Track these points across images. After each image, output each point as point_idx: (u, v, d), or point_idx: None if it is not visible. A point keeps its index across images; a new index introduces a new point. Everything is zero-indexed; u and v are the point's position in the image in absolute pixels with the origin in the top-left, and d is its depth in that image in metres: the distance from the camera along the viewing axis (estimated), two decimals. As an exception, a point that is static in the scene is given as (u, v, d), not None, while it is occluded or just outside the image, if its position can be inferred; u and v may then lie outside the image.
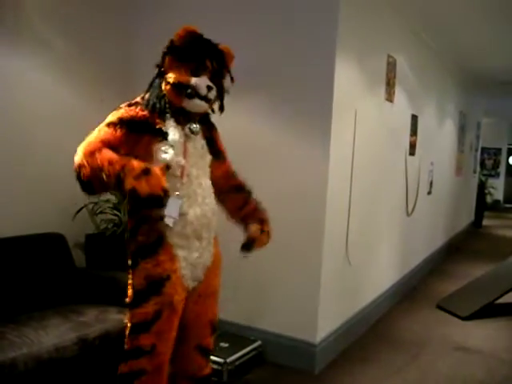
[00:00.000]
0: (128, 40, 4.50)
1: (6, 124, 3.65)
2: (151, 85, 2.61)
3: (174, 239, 2.52)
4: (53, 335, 2.98)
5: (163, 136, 2.50)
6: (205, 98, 2.54)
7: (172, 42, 2.54)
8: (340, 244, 4.15)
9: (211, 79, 2.56)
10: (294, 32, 3.83)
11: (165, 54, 2.56)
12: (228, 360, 3.60)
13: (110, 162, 2.30)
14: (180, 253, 2.54)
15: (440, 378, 3.92)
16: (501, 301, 5.54)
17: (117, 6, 4.45)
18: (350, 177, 4.16)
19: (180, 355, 2.72)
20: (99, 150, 2.34)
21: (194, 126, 2.59)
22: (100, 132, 2.44)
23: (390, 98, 4.97)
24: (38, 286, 3.49)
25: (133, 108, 2.51)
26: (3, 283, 3.30)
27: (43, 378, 2.84)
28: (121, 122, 2.46)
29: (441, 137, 7.76)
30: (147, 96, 2.56)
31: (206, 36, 2.55)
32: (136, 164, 2.30)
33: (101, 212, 4.14)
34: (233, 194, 2.86)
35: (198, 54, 2.53)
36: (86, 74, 4.20)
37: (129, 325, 2.54)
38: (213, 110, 2.71)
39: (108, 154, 2.33)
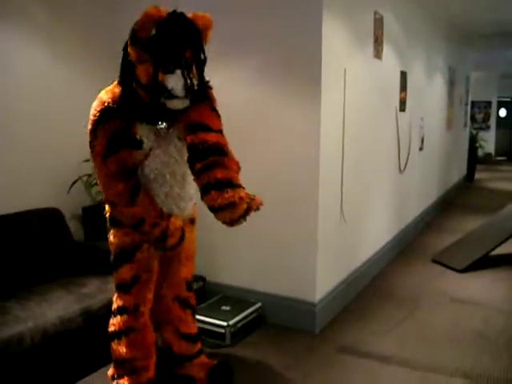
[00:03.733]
0: (116, 15, 4.43)
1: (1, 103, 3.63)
2: (122, 76, 2.50)
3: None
4: (57, 308, 3.03)
5: (139, 146, 2.53)
6: (184, 96, 2.40)
7: (134, 31, 2.30)
8: (335, 203, 4.18)
9: (186, 69, 2.38)
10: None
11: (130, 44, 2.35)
12: (230, 322, 3.66)
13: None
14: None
15: (439, 330, 4.00)
16: (496, 252, 5.62)
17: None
18: (342, 136, 4.16)
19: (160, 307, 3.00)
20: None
21: (161, 125, 2.57)
22: (104, 166, 2.51)
23: (378, 55, 4.95)
24: (37, 261, 3.52)
25: (110, 122, 2.47)
26: (2, 259, 3.32)
27: (50, 351, 2.89)
28: (110, 147, 2.48)
29: (430, 92, 7.74)
30: (119, 96, 2.48)
31: (176, 8, 2.36)
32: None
33: (96, 184, 4.13)
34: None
35: (167, 46, 2.31)
36: (74, 50, 4.15)
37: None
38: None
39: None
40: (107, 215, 2.81)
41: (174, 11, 2.35)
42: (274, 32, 3.81)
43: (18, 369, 2.72)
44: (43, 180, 3.92)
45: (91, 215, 4.14)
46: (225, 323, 3.64)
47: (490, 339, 3.84)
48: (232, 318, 3.71)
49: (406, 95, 6.10)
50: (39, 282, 3.43)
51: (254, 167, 3.96)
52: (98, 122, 2.48)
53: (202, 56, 2.48)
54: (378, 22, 4.86)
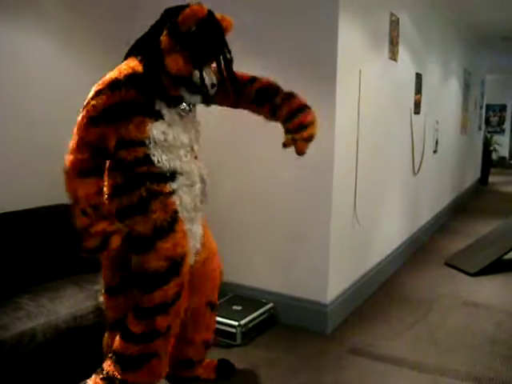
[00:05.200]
0: (130, 10, 4.44)
1: (8, 96, 3.62)
2: (144, 55, 2.40)
3: (184, 213, 2.54)
4: (69, 304, 3.03)
5: (158, 116, 2.42)
6: (206, 93, 2.46)
7: (176, 24, 2.31)
8: (348, 204, 4.17)
9: (218, 67, 2.47)
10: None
11: (166, 33, 2.33)
12: (241, 322, 3.65)
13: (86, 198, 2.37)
14: (188, 227, 2.57)
15: (450, 334, 3.97)
16: (508, 256, 5.57)
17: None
18: (357, 137, 4.15)
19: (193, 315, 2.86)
20: (82, 173, 2.40)
21: (184, 106, 2.52)
22: (86, 130, 2.32)
23: (393, 56, 4.93)
24: (49, 257, 3.52)
25: (117, 92, 2.30)
26: (16, 255, 3.34)
27: (62, 348, 2.89)
28: (105, 114, 2.31)
29: (445, 95, 7.71)
30: (143, 71, 2.37)
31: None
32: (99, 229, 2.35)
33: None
34: (256, 103, 2.89)
35: (204, 43, 2.36)
36: (86, 44, 4.16)
37: (141, 307, 2.52)
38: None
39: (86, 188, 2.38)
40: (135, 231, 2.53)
41: (211, 11, 2.39)
42: (290, 32, 3.80)
43: (29, 364, 2.72)
44: (53, 177, 3.90)
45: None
46: (236, 323, 3.64)
47: (503, 343, 3.82)
48: (243, 318, 3.71)
49: (420, 98, 6.08)
50: (52, 279, 3.43)
51: (266, 170, 3.97)
52: (116, 86, 2.32)
53: (229, 56, 2.51)
54: (394, 24, 4.84)
